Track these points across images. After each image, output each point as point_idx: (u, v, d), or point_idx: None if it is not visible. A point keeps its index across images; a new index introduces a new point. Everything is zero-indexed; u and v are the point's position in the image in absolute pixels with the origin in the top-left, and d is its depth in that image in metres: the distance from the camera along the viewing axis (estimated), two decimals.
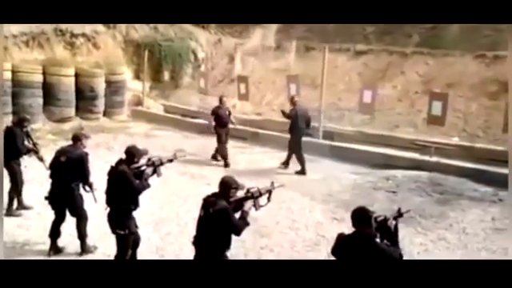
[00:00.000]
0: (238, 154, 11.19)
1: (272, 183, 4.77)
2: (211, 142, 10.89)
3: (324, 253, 6.19)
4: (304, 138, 10.30)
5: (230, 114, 10.81)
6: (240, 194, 4.58)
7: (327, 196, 8.65)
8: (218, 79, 16.77)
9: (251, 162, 10.78)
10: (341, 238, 3.91)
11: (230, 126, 10.84)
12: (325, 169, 10.26)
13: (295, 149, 10.06)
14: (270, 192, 4.68)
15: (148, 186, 5.36)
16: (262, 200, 4.65)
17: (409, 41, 14.27)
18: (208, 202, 4.50)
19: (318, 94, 12.35)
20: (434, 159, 10.07)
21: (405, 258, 6.15)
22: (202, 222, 4.52)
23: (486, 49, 12.72)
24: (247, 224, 4.47)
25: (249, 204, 4.50)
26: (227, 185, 4.56)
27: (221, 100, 10.77)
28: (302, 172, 9.94)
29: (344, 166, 10.41)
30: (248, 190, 4.57)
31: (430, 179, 9.22)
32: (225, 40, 17.65)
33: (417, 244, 6.84)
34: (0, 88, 10.11)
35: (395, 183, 9.25)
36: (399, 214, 4.05)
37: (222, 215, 4.37)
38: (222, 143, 10.53)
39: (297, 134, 10.06)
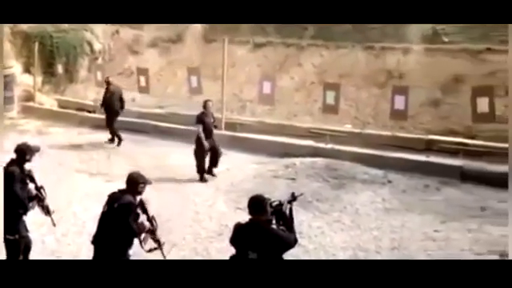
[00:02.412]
0: (139, 148, 10.98)
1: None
2: (108, 137, 10.54)
3: (227, 242, 6.33)
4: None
5: (214, 120, 9.64)
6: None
7: (230, 186, 8.81)
8: (116, 72, 16.24)
9: (153, 156, 10.63)
10: (238, 226, 4.01)
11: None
12: (228, 160, 10.40)
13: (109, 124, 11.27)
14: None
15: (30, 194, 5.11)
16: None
17: (305, 33, 14.81)
18: (113, 198, 4.42)
19: (219, 85, 12.46)
20: (329, 146, 10.64)
21: (303, 241, 6.58)
22: (104, 219, 4.43)
23: (374, 40, 13.59)
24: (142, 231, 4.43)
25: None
26: (134, 181, 4.51)
27: (205, 105, 9.43)
28: (112, 140, 11.22)
29: (246, 156, 10.63)
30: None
31: (325, 165, 9.71)
32: (123, 31, 17.09)
33: (314, 227, 7.22)
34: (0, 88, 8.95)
35: (294, 170, 9.64)
36: (293, 198, 4.10)
37: (126, 210, 4.31)
38: (202, 156, 9.18)
39: (110, 111, 11.30)
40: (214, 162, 9.38)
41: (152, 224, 4.49)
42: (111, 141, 11.37)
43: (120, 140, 11.34)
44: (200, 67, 13.02)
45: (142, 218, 4.50)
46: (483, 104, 9.44)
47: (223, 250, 4.35)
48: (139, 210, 4.45)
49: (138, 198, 4.51)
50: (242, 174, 9.57)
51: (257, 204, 3.92)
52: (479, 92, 9.69)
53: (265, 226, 3.84)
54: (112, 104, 11.39)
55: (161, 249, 4.57)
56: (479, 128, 10.56)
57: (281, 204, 4.01)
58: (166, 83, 15.35)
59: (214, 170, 9.36)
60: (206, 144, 9.11)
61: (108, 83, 11.66)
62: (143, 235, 4.42)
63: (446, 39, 12.70)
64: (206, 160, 9.31)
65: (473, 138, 10.56)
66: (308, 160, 10.12)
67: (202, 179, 9.10)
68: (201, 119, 9.28)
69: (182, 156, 10.55)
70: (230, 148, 11.18)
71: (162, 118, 13.15)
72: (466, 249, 6.58)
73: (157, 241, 4.55)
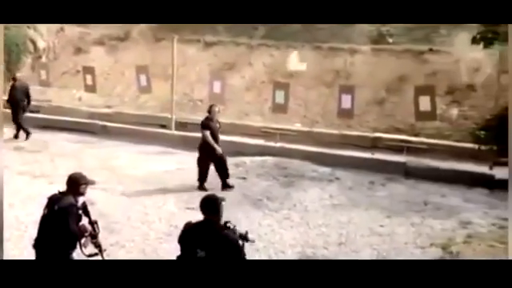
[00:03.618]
0: (86, 149, 10.70)
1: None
2: (53, 138, 10.21)
3: (176, 242, 6.29)
4: (157, 130, 10.28)
5: (220, 126, 8.95)
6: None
7: (181, 186, 8.74)
8: (61, 70, 15.75)
9: (101, 157, 10.39)
10: (188, 225, 3.98)
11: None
12: (178, 159, 10.33)
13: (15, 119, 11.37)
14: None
15: None
16: None
17: (255, 33, 14.90)
18: (53, 200, 4.29)
19: (169, 84, 12.35)
20: (279, 145, 10.78)
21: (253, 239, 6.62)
22: (45, 222, 4.29)
23: (322, 41, 13.87)
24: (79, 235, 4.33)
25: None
26: (75, 181, 4.39)
27: (210, 110, 8.82)
28: (16, 137, 11.30)
29: (197, 156, 10.56)
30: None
31: (275, 164, 9.83)
32: (68, 28, 16.60)
33: (264, 225, 7.29)
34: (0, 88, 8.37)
35: (245, 169, 9.70)
36: (245, 238, 3.90)
37: (66, 212, 4.19)
38: (206, 164, 8.57)
39: (16, 106, 11.43)
40: (224, 172, 8.64)
41: (94, 227, 4.37)
42: (16, 137, 11.46)
43: (28, 134, 11.37)
44: (149, 66, 12.84)
45: (84, 220, 4.38)
46: (425, 103, 9.83)
47: (172, 251, 4.31)
48: (81, 213, 4.34)
49: (81, 199, 4.40)
50: (192, 173, 9.50)
51: (210, 204, 3.89)
52: (421, 91, 10.08)
53: (216, 226, 3.83)
54: (18, 99, 11.56)
55: (101, 254, 4.45)
56: (422, 126, 11.01)
57: (233, 231, 3.89)
58: (114, 82, 15.05)
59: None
60: (219, 148, 8.51)
61: (14, 79, 11.99)
62: (84, 239, 4.31)
63: (390, 40, 13.15)
64: (211, 169, 8.67)
65: (416, 135, 11.00)
66: (258, 159, 10.20)
67: (202, 188, 8.45)
68: (206, 125, 8.62)
69: (132, 156, 10.40)
70: (181, 148, 11.12)
71: (110, 118, 12.88)
72: (410, 242, 6.82)
73: (98, 246, 4.43)
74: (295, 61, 13.55)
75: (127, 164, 9.90)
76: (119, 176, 9.15)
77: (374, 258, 6.35)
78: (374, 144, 10.85)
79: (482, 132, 9.80)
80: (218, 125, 8.82)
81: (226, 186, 8.56)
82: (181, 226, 4.13)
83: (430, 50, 12.48)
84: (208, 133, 8.53)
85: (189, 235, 3.92)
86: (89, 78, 12.84)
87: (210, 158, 8.57)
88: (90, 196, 6.37)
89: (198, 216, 4.39)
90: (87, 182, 4.41)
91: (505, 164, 9.44)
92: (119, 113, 13.32)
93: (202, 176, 8.64)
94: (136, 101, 14.28)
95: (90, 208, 4.61)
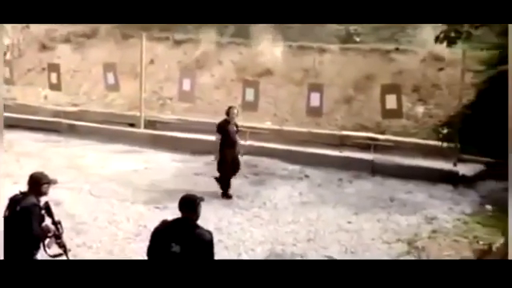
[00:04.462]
0: (52, 148, 10.48)
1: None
2: (17, 137, 9.96)
3: (146, 242, 6.24)
4: (126, 128, 10.18)
5: (238, 130, 8.60)
6: None
7: (150, 186, 8.68)
8: (26, 68, 15.36)
9: (68, 156, 10.20)
10: (164, 223, 4.01)
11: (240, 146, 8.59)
12: (147, 158, 10.25)
13: None
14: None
15: None
16: None
17: (224, 31, 14.86)
18: (15, 200, 4.20)
19: (138, 82, 12.20)
20: (249, 143, 10.79)
21: (222, 237, 6.65)
22: (7, 223, 4.20)
23: (292, 39, 13.94)
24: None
25: None
26: (37, 181, 4.32)
27: (229, 112, 8.42)
28: None
29: (166, 155, 10.53)
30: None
31: (245, 162, 9.81)
32: (33, 25, 16.17)
33: (234, 223, 7.31)
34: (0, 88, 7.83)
35: (215, 168, 9.67)
36: None
37: (28, 213, 4.11)
38: (226, 170, 8.26)
39: None
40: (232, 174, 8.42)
41: (57, 228, 4.30)
42: None
43: None
44: (117, 63, 12.65)
45: (47, 221, 4.31)
46: (392, 101, 10.02)
47: (141, 252, 4.28)
48: (44, 213, 4.26)
49: (43, 199, 4.32)
50: (162, 172, 9.47)
51: (188, 203, 3.97)
52: (388, 90, 10.27)
53: (193, 223, 3.90)
54: None
55: (66, 254, 4.39)
56: (388, 124, 11.22)
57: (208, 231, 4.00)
58: (81, 80, 14.75)
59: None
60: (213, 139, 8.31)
61: None
62: (47, 239, 4.24)
63: (357, 39, 13.32)
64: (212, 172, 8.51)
65: (382, 133, 11.18)
66: None
67: (227, 195, 8.20)
68: (223, 128, 8.26)
69: (99, 155, 10.25)
70: (150, 147, 11.03)
71: (77, 117, 12.65)
72: (377, 238, 6.96)
73: (62, 246, 4.37)
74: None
75: (94, 163, 9.77)
76: (86, 175, 9.01)
77: (342, 253, 6.46)
78: (342, 142, 11.00)
79: (444, 129, 10.07)
80: (235, 128, 8.45)
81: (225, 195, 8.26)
82: (150, 226, 4.13)
83: (397, 49, 12.70)
84: (219, 137, 8.22)
85: (164, 231, 3.96)
86: (54, 75, 12.55)
87: (227, 162, 8.22)
88: (55, 196, 6.31)
89: (166, 215, 4.39)
90: (49, 182, 4.34)
91: (468, 161, 9.77)
92: (86, 111, 13.09)
93: (224, 182, 8.27)
94: (103, 99, 14.05)
95: (55, 208, 4.54)
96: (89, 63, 15.00)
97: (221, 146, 8.23)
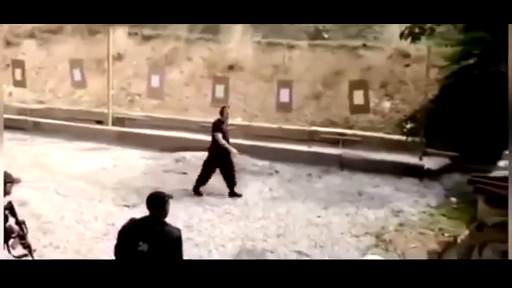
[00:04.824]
0: (17, 147, 10.23)
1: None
2: None
3: (114, 241, 6.18)
4: (93, 126, 10.03)
5: (228, 129, 8.49)
6: None
7: (118, 184, 8.57)
8: None
9: (33, 155, 9.98)
10: (132, 221, 3.97)
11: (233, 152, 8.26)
12: (115, 156, 10.12)
13: None
14: None
15: None
16: None
17: (194, 27, 14.77)
18: None
19: (105, 79, 12.02)
20: None
21: (193, 235, 6.64)
22: None
23: (262, 36, 13.97)
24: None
25: None
26: None
27: (223, 111, 8.29)
28: None
29: (135, 152, 10.42)
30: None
31: None
32: None
33: (205, 220, 7.30)
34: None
35: (185, 165, 9.66)
36: None
37: None
38: (231, 170, 8.14)
39: None
40: (232, 179, 8.22)
41: (21, 228, 4.22)
42: None
43: None
44: (84, 60, 12.42)
45: (11, 221, 4.21)
46: (359, 97, 10.17)
47: (109, 251, 4.23)
48: (7, 213, 4.16)
49: (6, 199, 4.22)
50: (130, 170, 9.37)
51: (156, 200, 3.92)
52: (355, 86, 10.41)
53: (161, 221, 3.86)
54: None
55: (31, 255, 4.31)
56: (356, 119, 11.39)
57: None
58: (46, 77, 14.43)
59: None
60: (235, 150, 8.15)
61: None
62: (11, 240, 4.15)
63: (326, 36, 13.46)
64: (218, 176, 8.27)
65: (350, 128, 11.35)
66: (199, 154, 10.13)
67: (198, 192, 8.13)
68: (219, 127, 8.12)
69: (66, 153, 10.07)
70: (118, 144, 10.90)
71: (43, 114, 12.38)
72: (346, 232, 7.07)
73: (27, 247, 4.28)
74: None
75: (61, 161, 9.59)
76: (52, 174, 8.84)
77: (312, 248, 6.54)
78: (311, 137, 11.11)
79: (408, 124, 10.28)
80: (228, 127, 8.41)
81: (233, 195, 8.18)
82: (118, 225, 4.09)
83: (364, 45, 12.89)
84: (220, 136, 8.07)
85: (132, 229, 3.92)
86: (18, 72, 12.24)
87: (218, 162, 8.13)
88: (21, 195, 6.19)
89: (136, 214, 4.37)
90: (12, 181, 4.24)
91: (433, 154, 10.02)
92: (52, 108, 12.83)
93: (203, 180, 8.18)
94: (70, 96, 13.79)
95: (21, 208, 4.46)
96: (54, 59, 14.69)
97: (214, 146, 8.14)
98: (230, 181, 8.24)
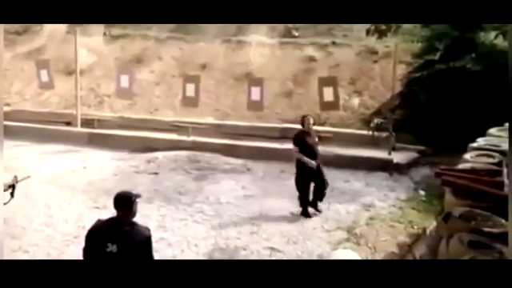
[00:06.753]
0: None
1: (15, 177, 4.40)
2: None
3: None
4: (61, 127, 9.85)
5: (318, 141, 7.64)
6: None
7: (88, 186, 8.45)
8: None
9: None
10: (100, 222, 3.93)
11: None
12: (85, 158, 9.97)
13: None
14: (13, 187, 4.32)
15: None
16: (5, 197, 4.29)
17: (163, 26, 14.67)
18: None
19: (73, 80, 11.82)
20: (191, 138, 10.76)
21: (166, 235, 6.60)
22: None
23: (231, 34, 13.98)
24: None
25: None
26: None
27: (303, 121, 7.41)
28: None
29: (105, 153, 10.28)
30: None
31: (188, 158, 9.81)
32: None
33: (177, 220, 7.27)
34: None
35: (156, 165, 9.59)
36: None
37: None
38: (305, 184, 7.35)
39: None
40: (320, 194, 7.52)
41: None
42: None
43: None
44: (51, 60, 12.18)
45: None
46: (329, 93, 10.28)
47: (80, 254, 4.17)
48: None
49: None
50: (100, 171, 9.24)
51: (123, 200, 3.87)
52: (325, 82, 10.53)
53: (128, 222, 3.83)
54: None
55: None
56: (327, 115, 11.52)
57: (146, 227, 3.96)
58: (12, 79, 14.10)
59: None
60: (313, 162, 7.25)
61: None
62: None
63: (296, 33, 13.56)
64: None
65: (322, 124, 11.47)
66: (170, 153, 10.12)
67: (306, 214, 7.41)
68: (298, 140, 7.30)
69: (34, 156, 9.87)
70: (88, 146, 10.74)
71: (9, 117, 12.06)
72: (318, 227, 7.14)
73: None
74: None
75: (29, 164, 9.37)
76: (19, 177, 8.61)
77: (285, 244, 6.58)
78: (283, 134, 11.16)
79: (375, 120, 10.45)
80: (316, 139, 7.53)
81: (312, 205, 7.49)
82: (88, 226, 4.03)
83: (333, 43, 13.05)
84: (297, 149, 7.30)
85: (100, 231, 3.88)
86: None
87: (307, 177, 7.39)
88: None
89: (107, 215, 4.31)
90: None
91: (402, 149, 10.22)
92: (19, 111, 12.54)
93: (304, 198, 7.44)
94: (37, 98, 13.52)
95: None
96: (20, 61, 14.37)
97: (298, 161, 7.36)
98: (318, 194, 7.57)
